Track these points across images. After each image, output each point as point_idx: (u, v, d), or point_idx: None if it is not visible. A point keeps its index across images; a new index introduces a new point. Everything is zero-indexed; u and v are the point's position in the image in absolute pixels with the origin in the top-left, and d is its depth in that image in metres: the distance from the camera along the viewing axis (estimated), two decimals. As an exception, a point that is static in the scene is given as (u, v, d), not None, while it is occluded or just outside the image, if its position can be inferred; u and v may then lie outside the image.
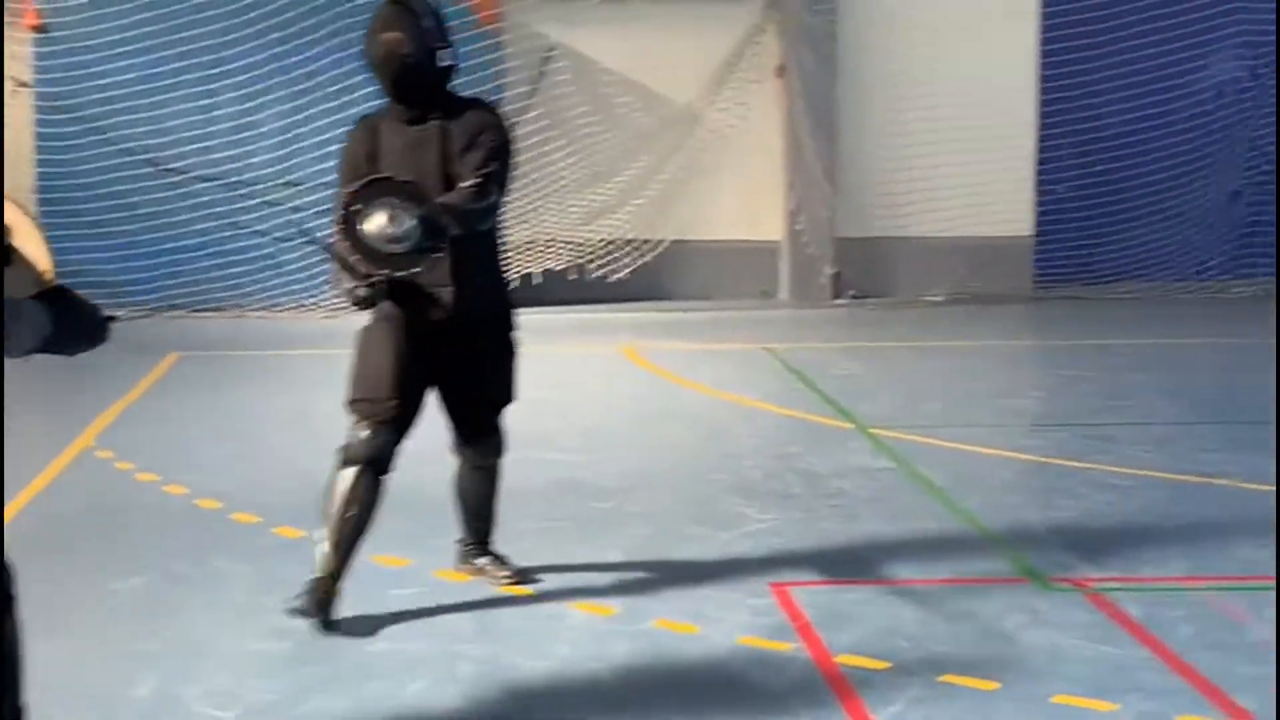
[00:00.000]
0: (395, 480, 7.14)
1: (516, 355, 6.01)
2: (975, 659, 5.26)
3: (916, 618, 5.69)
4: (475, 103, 5.85)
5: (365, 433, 5.67)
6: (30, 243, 4.09)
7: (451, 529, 6.40)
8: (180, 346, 12.41)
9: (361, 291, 5.53)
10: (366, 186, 5.46)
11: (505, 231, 6.15)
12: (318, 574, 5.65)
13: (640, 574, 6.28)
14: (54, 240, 13.91)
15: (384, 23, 5.64)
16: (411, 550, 6.56)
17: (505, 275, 6.03)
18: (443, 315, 5.71)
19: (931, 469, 8.05)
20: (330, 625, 5.60)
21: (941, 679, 5.06)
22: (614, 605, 5.88)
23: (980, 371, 11.47)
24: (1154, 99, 15.85)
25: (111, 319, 4.04)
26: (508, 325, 5.95)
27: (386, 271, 5.42)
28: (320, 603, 5.60)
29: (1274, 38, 15.50)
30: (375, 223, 5.36)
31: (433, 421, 6.63)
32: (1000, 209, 15.52)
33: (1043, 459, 8.43)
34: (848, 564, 6.41)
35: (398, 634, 5.59)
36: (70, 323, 3.91)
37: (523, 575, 6.19)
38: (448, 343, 5.76)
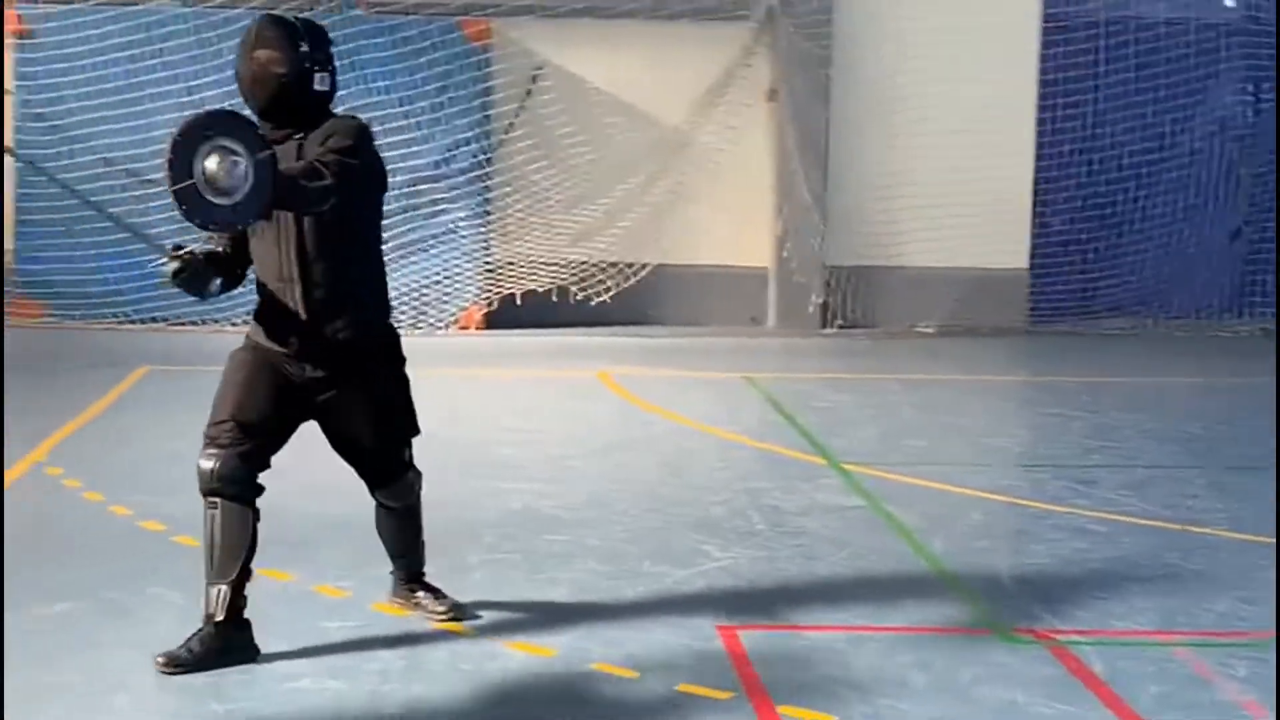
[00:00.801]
0: (339, 505, 6.93)
1: (404, 388, 5.67)
2: (923, 715, 5.00)
3: (867, 667, 5.43)
4: (341, 117, 5.51)
5: (202, 461, 5.35)
6: None
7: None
8: (151, 360, 12.20)
9: (168, 266, 5.18)
10: (209, 119, 4.98)
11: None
12: (207, 615, 5.38)
13: (586, 613, 6.02)
14: (33, 250, 13.68)
15: (257, 40, 5.32)
16: (353, 580, 6.32)
17: (381, 316, 5.65)
18: (298, 348, 5.42)
19: (902, 509, 7.78)
20: (221, 659, 5.33)
21: (887, 735, 4.81)
22: (554, 646, 5.62)
23: (966, 407, 11.20)
24: (1155, 132, 15.61)
25: None
26: (387, 358, 5.62)
27: (198, 221, 4.94)
28: (185, 653, 5.31)
29: (1275, 73, 15.28)
30: (209, 163, 4.85)
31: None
32: (995, 240, 15.27)
33: (1019, 501, 8.16)
34: (801, 608, 6.15)
35: (324, 670, 5.34)
36: None
37: (460, 611, 5.92)
38: (312, 377, 5.46)
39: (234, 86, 5.43)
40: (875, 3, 15.05)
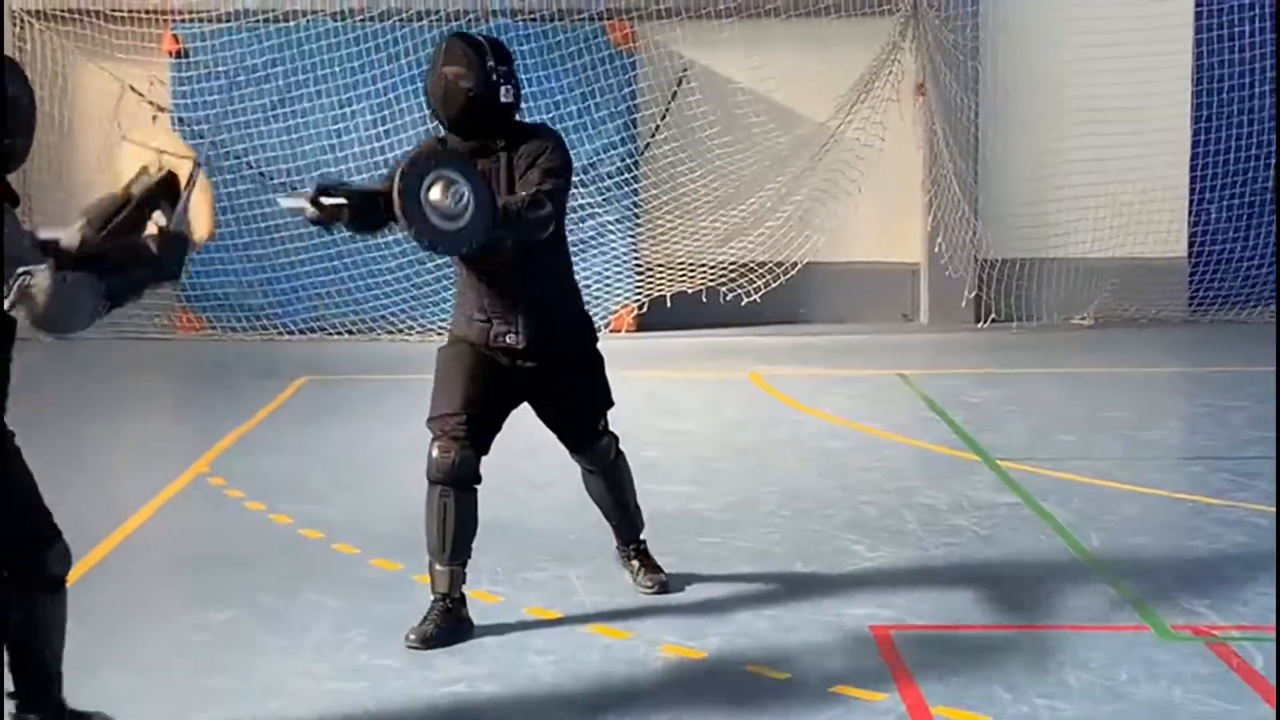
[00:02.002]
0: (496, 510, 7.01)
1: (600, 366, 6.06)
2: (1080, 715, 4.93)
3: (1022, 666, 5.37)
4: (535, 129, 5.87)
5: (436, 452, 5.73)
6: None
7: (547, 562, 6.61)
8: (310, 370, 12.38)
9: (309, 213, 5.44)
10: (430, 156, 5.39)
11: (578, 260, 6.21)
12: (433, 596, 5.78)
13: (738, 614, 6.02)
14: (194, 263, 13.90)
15: (446, 57, 5.70)
16: (506, 586, 6.40)
17: (577, 304, 6.07)
18: (513, 352, 5.78)
19: (1057, 505, 7.68)
20: (457, 633, 5.72)
21: (1042, 735, 4.75)
22: (705, 648, 5.63)
23: (1122, 400, 11.00)
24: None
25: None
26: (587, 346, 6.01)
27: (427, 241, 5.30)
28: (434, 629, 5.69)
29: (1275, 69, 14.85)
30: (434, 191, 5.21)
31: (526, 454, 6.49)
32: (1151, 228, 15.00)
33: (1176, 495, 8.00)
34: (955, 606, 6.09)
35: (478, 674, 5.40)
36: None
37: (666, 587, 6.24)
38: (523, 371, 5.83)
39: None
40: (1021, -8, 14.93)
